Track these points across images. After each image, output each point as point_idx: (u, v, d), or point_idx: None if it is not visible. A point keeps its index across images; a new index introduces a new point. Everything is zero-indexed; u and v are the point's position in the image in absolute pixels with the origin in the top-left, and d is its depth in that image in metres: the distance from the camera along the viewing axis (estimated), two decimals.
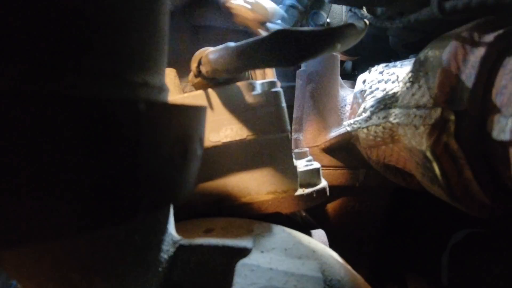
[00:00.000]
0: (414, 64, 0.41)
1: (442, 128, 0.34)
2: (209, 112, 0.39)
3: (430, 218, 0.69)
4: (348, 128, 0.54)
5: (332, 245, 0.41)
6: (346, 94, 0.67)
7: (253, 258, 0.27)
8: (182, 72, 0.46)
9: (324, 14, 0.87)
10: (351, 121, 0.53)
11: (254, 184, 0.39)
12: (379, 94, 0.49)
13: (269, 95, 0.39)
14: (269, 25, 0.58)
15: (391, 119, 0.43)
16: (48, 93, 0.13)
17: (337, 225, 0.65)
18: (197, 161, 0.21)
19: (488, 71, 0.34)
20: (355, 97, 0.57)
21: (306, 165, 0.46)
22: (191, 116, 0.20)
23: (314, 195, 0.41)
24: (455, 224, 0.63)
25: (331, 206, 0.65)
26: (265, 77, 0.49)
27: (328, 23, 0.89)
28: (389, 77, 0.49)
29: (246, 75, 0.42)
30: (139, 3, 0.18)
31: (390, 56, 0.78)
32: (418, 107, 0.37)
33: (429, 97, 0.36)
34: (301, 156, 0.52)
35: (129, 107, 0.15)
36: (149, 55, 0.20)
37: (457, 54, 0.35)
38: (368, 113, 0.48)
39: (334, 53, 0.67)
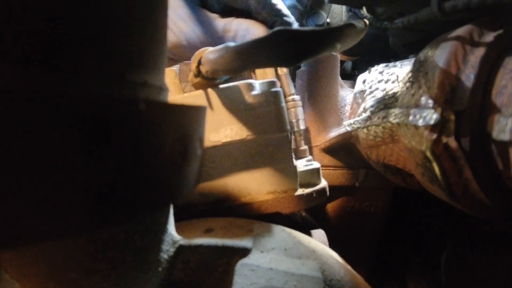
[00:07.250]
0: (414, 64, 0.41)
1: (442, 128, 0.34)
2: (209, 112, 0.39)
3: (430, 218, 0.69)
4: (348, 128, 0.54)
5: (332, 245, 0.41)
6: (346, 94, 0.67)
7: (253, 258, 0.27)
8: None
9: (324, 14, 0.87)
10: (351, 121, 0.53)
11: (254, 184, 0.39)
12: (379, 94, 0.49)
13: (269, 95, 0.39)
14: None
15: (391, 119, 0.42)
16: (47, 92, 0.13)
17: (337, 225, 0.65)
18: (197, 161, 0.21)
19: (488, 71, 0.34)
20: (355, 97, 0.57)
21: (306, 165, 0.46)
22: (191, 116, 0.20)
23: (314, 195, 0.41)
24: (455, 224, 0.63)
25: (331, 206, 0.65)
26: (265, 77, 0.49)
27: (328, 23, 0.89)
28: (389, 77, 0.49)
29: (246, 75, 0.42)
30: (139, 3, 0.18)
31: (390, 56, 0.78)
32: (418, 107, 0.37)
33: (429, 97, 0.36)
34: (301, 156, 0.52)
35: (129, 107, 0.15)
36: (149, 55, 0.20)
37: (457, 54, 0.35)
38: (368, 113, 0.48)
39: (334, 53, 0.67)
